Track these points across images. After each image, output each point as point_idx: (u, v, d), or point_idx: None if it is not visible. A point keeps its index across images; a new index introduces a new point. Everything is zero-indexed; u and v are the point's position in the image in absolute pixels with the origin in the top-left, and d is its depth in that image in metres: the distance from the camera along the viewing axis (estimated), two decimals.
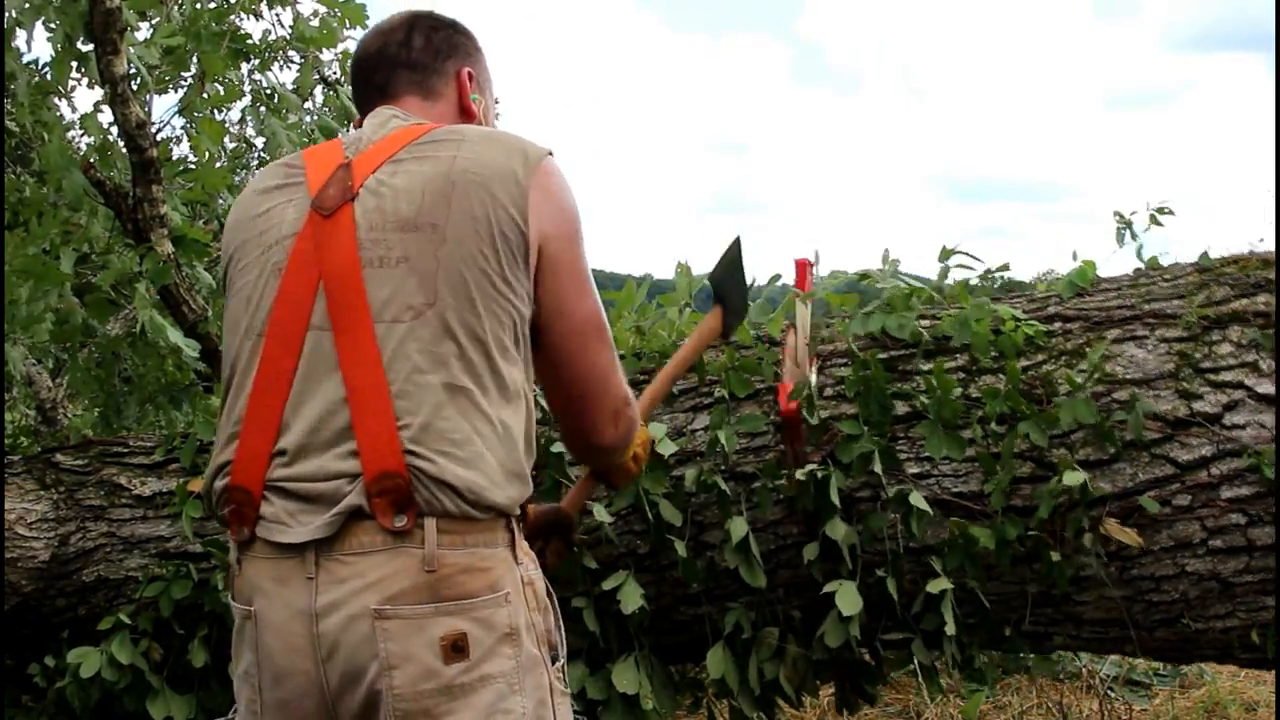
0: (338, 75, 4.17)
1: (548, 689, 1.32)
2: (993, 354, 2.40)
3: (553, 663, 1.34)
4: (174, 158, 3.58)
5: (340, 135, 1.64)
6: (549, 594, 1.38)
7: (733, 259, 1.99)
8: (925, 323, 2.49)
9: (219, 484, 1.35)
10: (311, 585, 1.26)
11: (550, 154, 1.43)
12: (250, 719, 1.34)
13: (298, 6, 3.79)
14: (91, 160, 3.14)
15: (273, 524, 1.30)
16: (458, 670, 1.24)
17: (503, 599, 1.28)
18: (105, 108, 3.20)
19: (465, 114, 1.58)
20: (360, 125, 1.53)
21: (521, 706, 1.28)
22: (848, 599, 2.20)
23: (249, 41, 3.56)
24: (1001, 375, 2.35)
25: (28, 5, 3.01)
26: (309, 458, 1.30)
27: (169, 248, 3.04)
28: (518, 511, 1.33)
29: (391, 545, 1.26)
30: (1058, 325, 2.45)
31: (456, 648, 1.25)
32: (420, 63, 1.57)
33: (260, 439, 1.33)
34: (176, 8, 3.54)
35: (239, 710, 1.37)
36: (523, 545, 1.35)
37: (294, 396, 1.32)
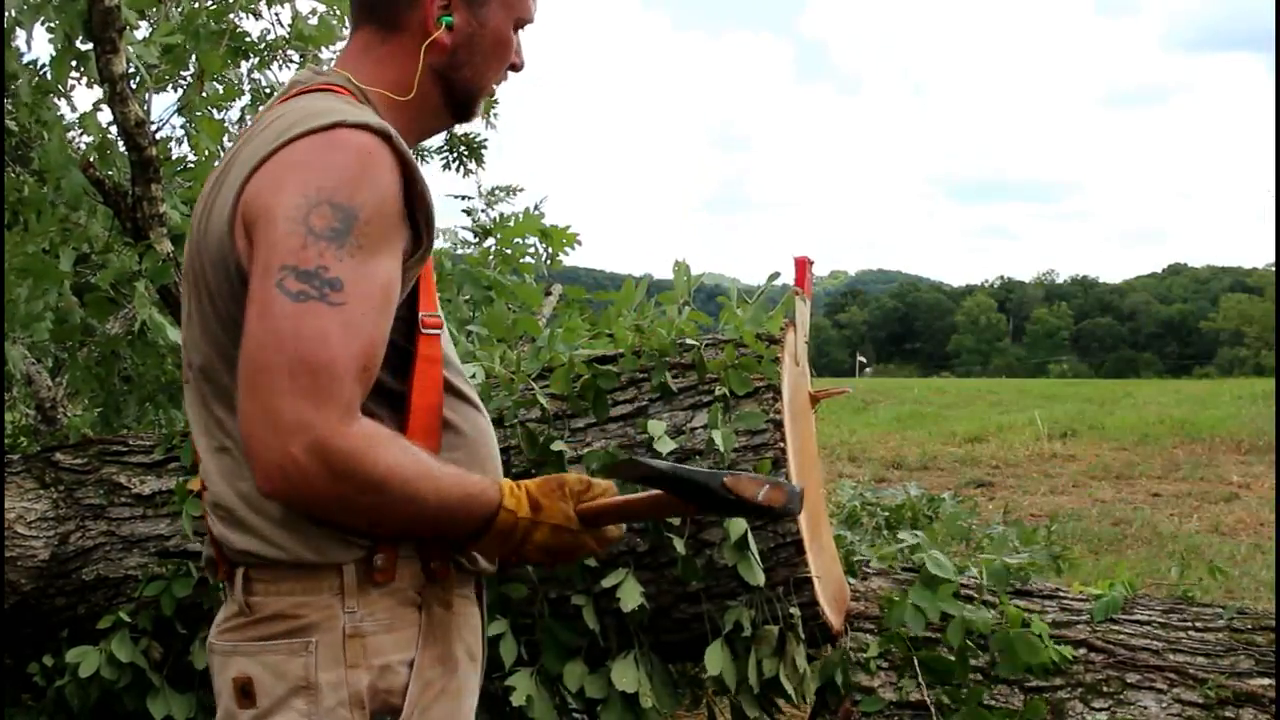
0: None
1: None
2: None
3: None
4: (173, 156, 3.58)
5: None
6: (407, 656, 1.18)
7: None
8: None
9: None
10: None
11: (316, 130, 1.11)
12: None
13: (296, 5, 3.79)
14: (91, 159, 3.14)
15: None
16: (248, 717, 1.16)
17: (301, 647, 1.15)
18: (104, 106, 3.20)
19: (430, 51, 1.26)
20: None
21: None
22: None
23: (248, 40, 3.56)
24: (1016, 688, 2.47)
25: (27, 5, 3.01)
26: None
27: (168, 246, 3.04)
28: (342, 558, 1.16)
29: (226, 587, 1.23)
30: (1083, 651, 2.53)
31: (245, 691, 1.17)
32: None
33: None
34: (175, 6, 3.54)
35: None
36: (369, 595, 1.17)
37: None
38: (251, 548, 1.17)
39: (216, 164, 1.23)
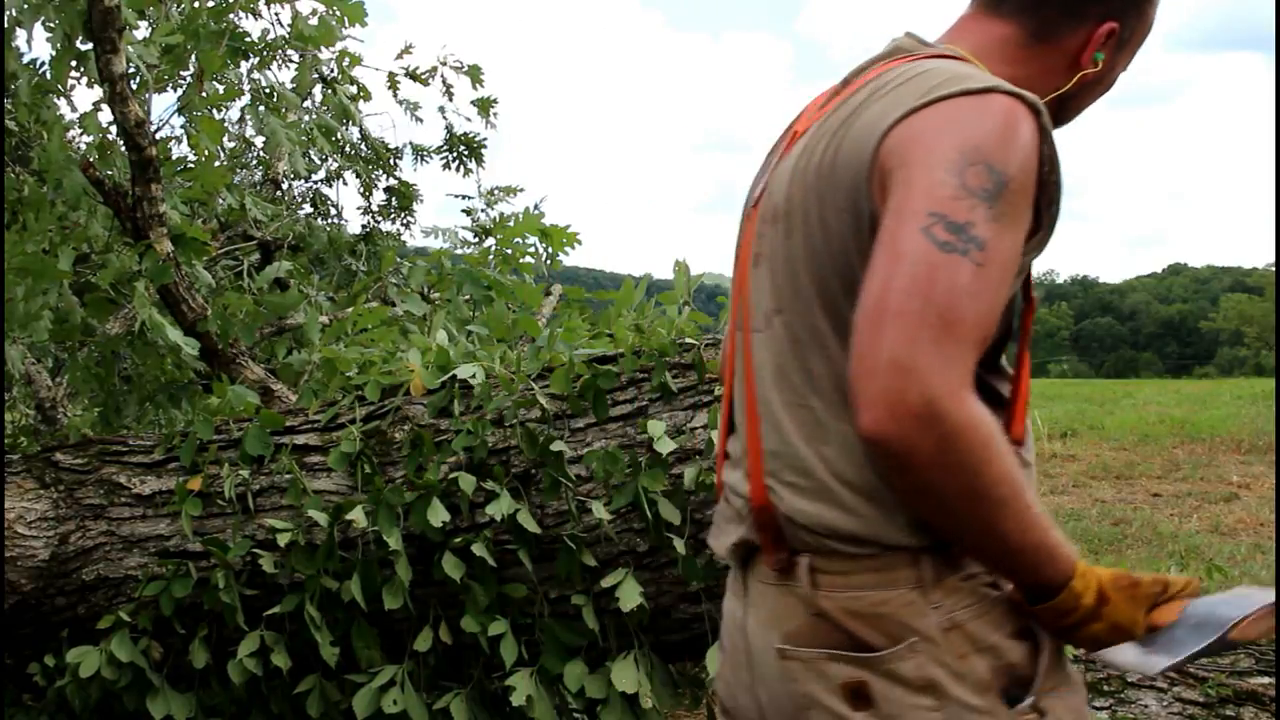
0: (336, 74, 4.17)
1: None
2: None
3: (1013, 704, 1.10)
4: (173, 156, 3.58)
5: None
6: (1019, 632, 1.12)
7: None
8: None
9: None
10: (744, 602, 1.21)
11: (977, 92, 1.08)
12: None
13: (296, 5, 3.79)
14: (91, 159, 3.14)
15: (714, 528, 1.27)
16: (864, 718, 1.10)
17: (906, 650, 1.08)
18: (104, 106, 3.20)
19: (1071, 71, 1.24)
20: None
21: None
22: None
23: (247, 40, 3.56)
24: None
25: (27, 4, 3.01)
26: (735, 468, 1.24)
27: (168, 246, 3.04)
28: (916, 541, 1.09)
29: (780, 581, 1.16)
30: (1084, 650, 2.52)
31: (859, 695, 1.10)
32: None
33: (721, 440, 1.30)
34: (175, 6, 3.54)
35: None
36: (946, 581, 1.10)
37: (735, 399, 1.26)
38: (830, 518, 1.10)
39: (814, 120, 1.18)
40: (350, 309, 3.48)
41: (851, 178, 1.09)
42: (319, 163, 4.80)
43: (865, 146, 1.09)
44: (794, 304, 1.14)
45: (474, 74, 4.44)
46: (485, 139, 4.67)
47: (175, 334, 2.99)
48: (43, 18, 3.06)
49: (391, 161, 4.83)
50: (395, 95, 4.51)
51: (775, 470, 1.15)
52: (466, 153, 4.70)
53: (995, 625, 1.11)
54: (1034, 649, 1.12)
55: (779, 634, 1.14)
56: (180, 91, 3.67)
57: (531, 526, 2.37)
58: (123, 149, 3.10)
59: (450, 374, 2.63)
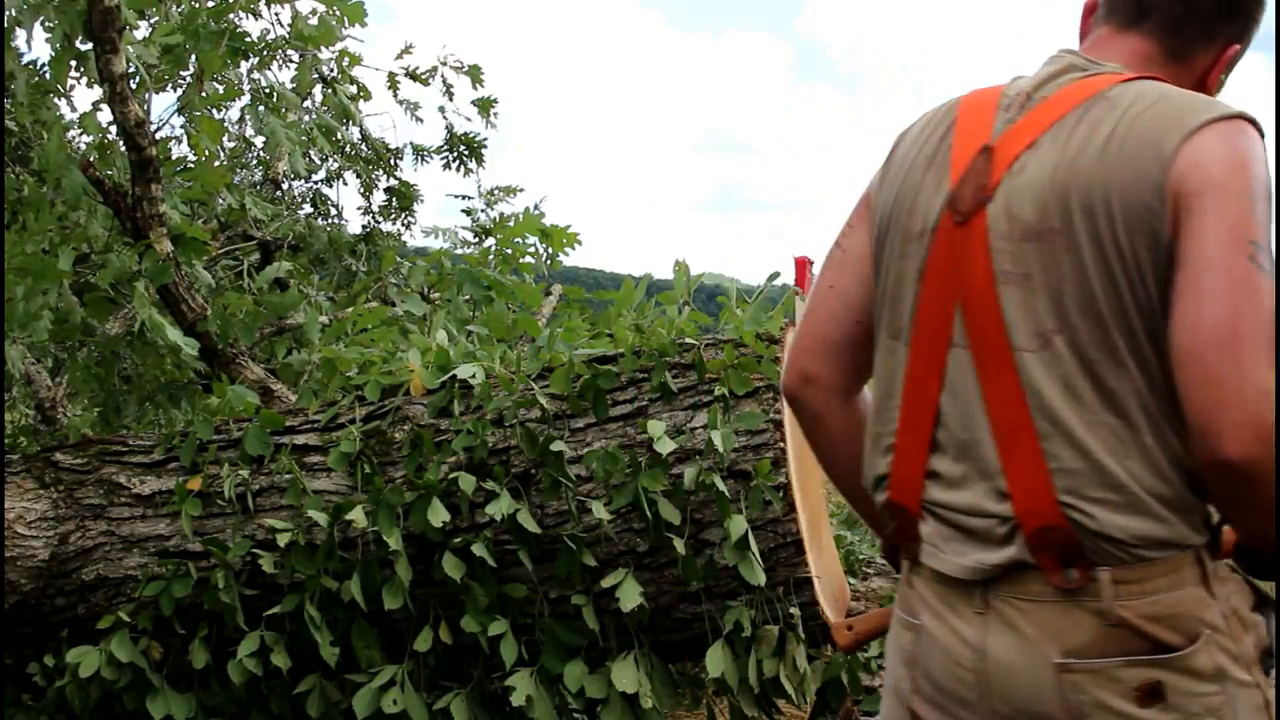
0: (336, 74, 4.17)
1: (1262, 704, 1.17)
2: None
3: (1267, 672, 1.18)
4: (173, 156, 3.58)
5: (1017, 77, 1.31)
6: (1259, 603, 1.21)
7: None
8: None
9: (880, 497, 1.33)
10: (982, 621, 1.21)
11: (1230, 118, 1.14)
12: (896, 704, 1.33)
13: (296, 5, 3.78)
14: (90, 159, 3.14)
15: (931, 548, 1.26)
16: (1153, 714, 1.14)
17: (1202, 644, 1.14)
18: (104, 106, 3.20)
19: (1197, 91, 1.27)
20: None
21: None
22: None
23: (247, 40, 3.55)
24: None
25: (26, 4, 3.01)
26: (960, 488, 1.24)
27: (168, 246, 3.04)
28: (1202, 539, 1.16)
29: (1063, 599, 1.17)
30: None
31: (1153, 693, 1.14)
32: (1200, 9, 1.27)
33: (915, 457, 1.27)
34: (175, 6, 3.53)
35: (885, 687, 1.38)
36: (1218, 570, 1.17)
37: (942, 418, 1.25)
38: (1147, 530, 1.13)
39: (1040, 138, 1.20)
40: (350, 309, 3.48)
41: (1143, 201, 1.13)
42: (319, 163, 4.80)
43: (1149, 171, 1.13)
44: (1082, 323, 1.15)
45: (474, 74, 4.44)
46: (485, 139, 4.67)
47: (175, 334, 2.99)
48: (42, 18, 3.06)
49: (392, 161, 4.83)
50: (395, 95, 4.51)
51: (1075, 488, 1.15)
52: (467, 153, 4.70)
53: (1248, 603, 1.19)
54: (1264, 618, 1.21)
55: (1058, 649, 1.16)
56: (180, 91, 3.67)
57: (531, 526, 2.37)
58: (123, 149, 3.10)
59: (450, 374, 2.63)
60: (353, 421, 2.61)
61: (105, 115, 3.24)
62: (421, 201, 4.95)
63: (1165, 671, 1.13)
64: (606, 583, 2.33)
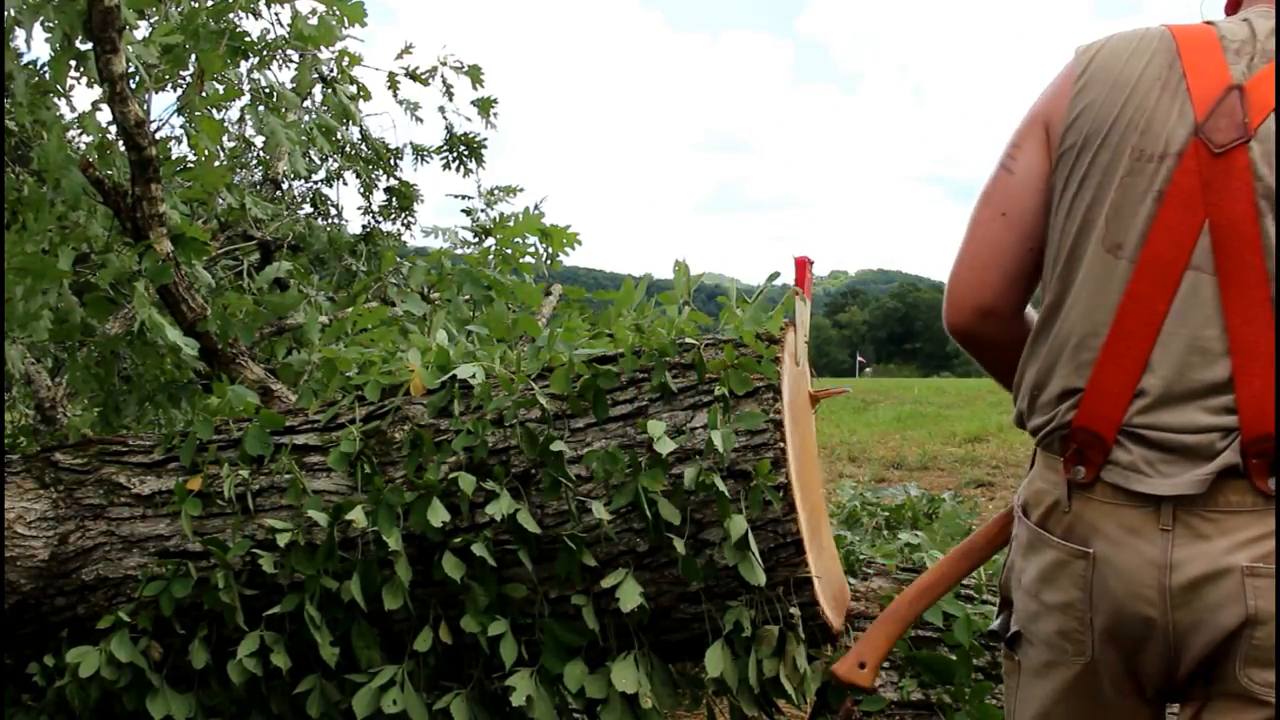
0: (336, 74, 4.17)
1: None
2: None
3: None
4: (173, 156, 3.57)
5: (1208, 22, 1.40)
6: None
7: None
8: None
9: (1066, 415, 1.36)
10: (1167, 538, 1.29)
11: None
12: (1057, 645, 1.40)
13: (296, 4, 3.78)
14: (90, 159, 3.13)
15: (1129, 471, 1.31)
16: None
17: None
18: (104, 106, 3.20)
19: None
20: (1235, 9, 1.40)
21: None
22: None
23: (247, 40, 3.55)
24: None
25: (26, 4, 3.01)
26: (1175, 406, 1.30)
27: (168, 246, 3.04)
28: None
29: (1261, 507, 1.26)
30: None
31: None
32: None
33: (1120, 377, 1.32)
34: (175, 6, 3.53)
35: (1032, 633, 1.44)
36: None
37: (1163, 338, 1.30)
38: None
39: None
40: (350, 309, 3.48)
41: None
42: (319, 163, 4.80)
43: None
44: None
45: (474, 74, 4.43)
46: (485, 139, 4.67)
47: (175, 334, 2.99)
48: (42, 18, 3.06)
49: (391, 161, 4.83)
50: (395, 95, 4.51)
51: None
52: (466, 153, 4.70)
53: None
54: None
55: (1247, 555, 1.26)
56: (180, 91, 3.66)
57: (531, 526, 2.37)
58: (123, 149, 3.10)
59: (450, 374, 2.63)
60: (353, 421, 2.61)
61: (105, 115, 3.24)
62: (421, 201, 4.95)
63: None
64: (606, 583, 2.33)
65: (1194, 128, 1.30)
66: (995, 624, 1.54)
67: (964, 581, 2.64)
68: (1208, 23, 1.39)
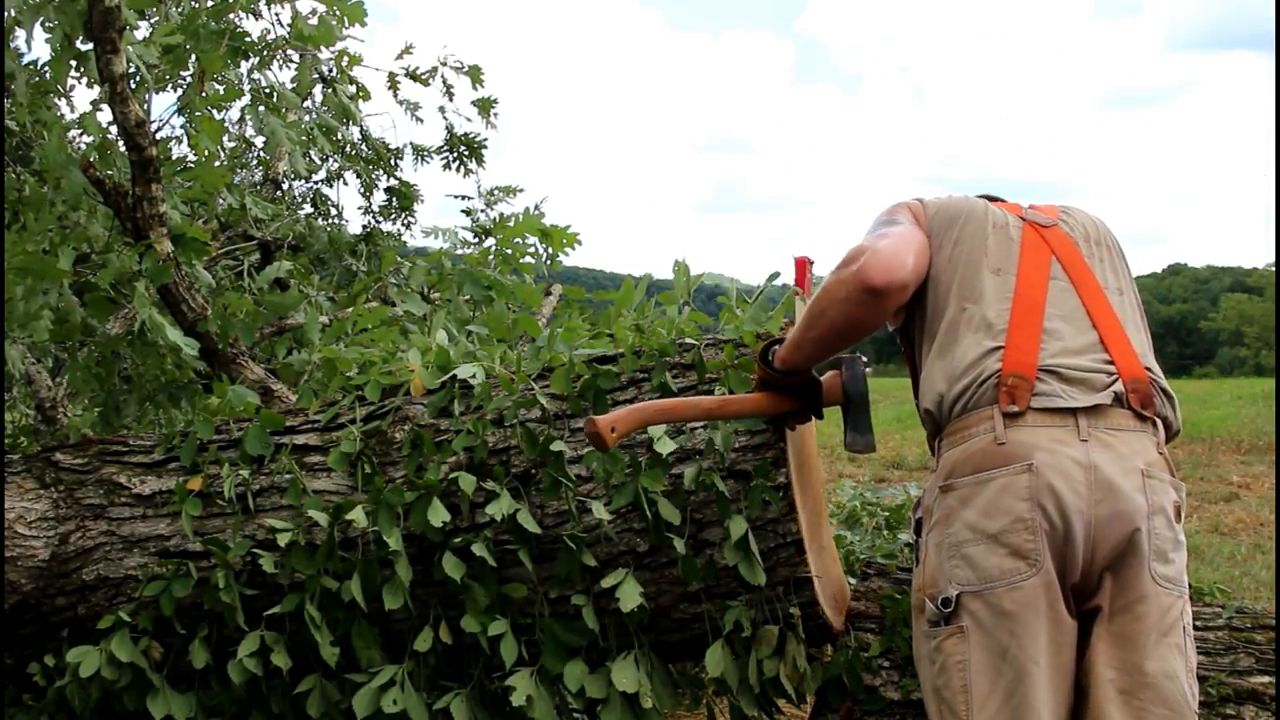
0: (336, 74, 4.17)
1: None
2: None
3: None
4: (173, 156, 3.57)
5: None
6: None
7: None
8: None
9: (992, 364, 1.81)
10: (1086, 447, 1.73)
11: None
12: (1010, 568, 1.72)
13: (296, 5, 3.78)
14: (91, 159, 3.13)
15: (1052, 396, 1.76)
16: (1177, 529, 1.76)
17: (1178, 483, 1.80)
18: (104, 106, 3.20)
19: None
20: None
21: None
22: None
23: (248, 40, 3.55)
24: None
25: (26, 4, 3.01)
26: (1071, 355, 1.81)
27: (168, 246, 3.04)
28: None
29: (1139, 428, 1.78)
30: None
31: (1177, 513, 1.76)
32: None
33: (1029, 338, 1.82)
34: (175, 6, 3.53)
35: (979, 576, 1.75)
36: None
37: (1048, 314, 1.85)
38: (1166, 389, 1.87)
39: None
40: (350, 309, 3.48)
41: (1116, 247, 2.10)
42: (319, 163, 4.80)
43: (1111, 236, 2.14)
44: (1128, 291, 1.98)
45: (474, 74, 4.44)
46: (485, 139, 4.67)
47: (175, 334, 2.99)
48: (42, 18, 3.06)
49: (392, 162, 4.83)
50: (395, 95, 4.51)
51: (1148, 363, 1.85)
52: (467, 153, 4.70)
53: None
54: None
55: (1141, 460, 1.75)
56: (180, 91, 3.67)
57: (531, 526, 2.37)
58: (123, 149, 3.10)
59: (450, 374, 2.63)
60: (353, 421, 2.61)
61: (105, 115, 3.24)
62: (421, 201, 4.96)
63: (1179, 497, 1.78)
64: (606, 583, 2.33)
65: (1020, 219, 2.01)
66: (931, 614, 1.80)
67: None
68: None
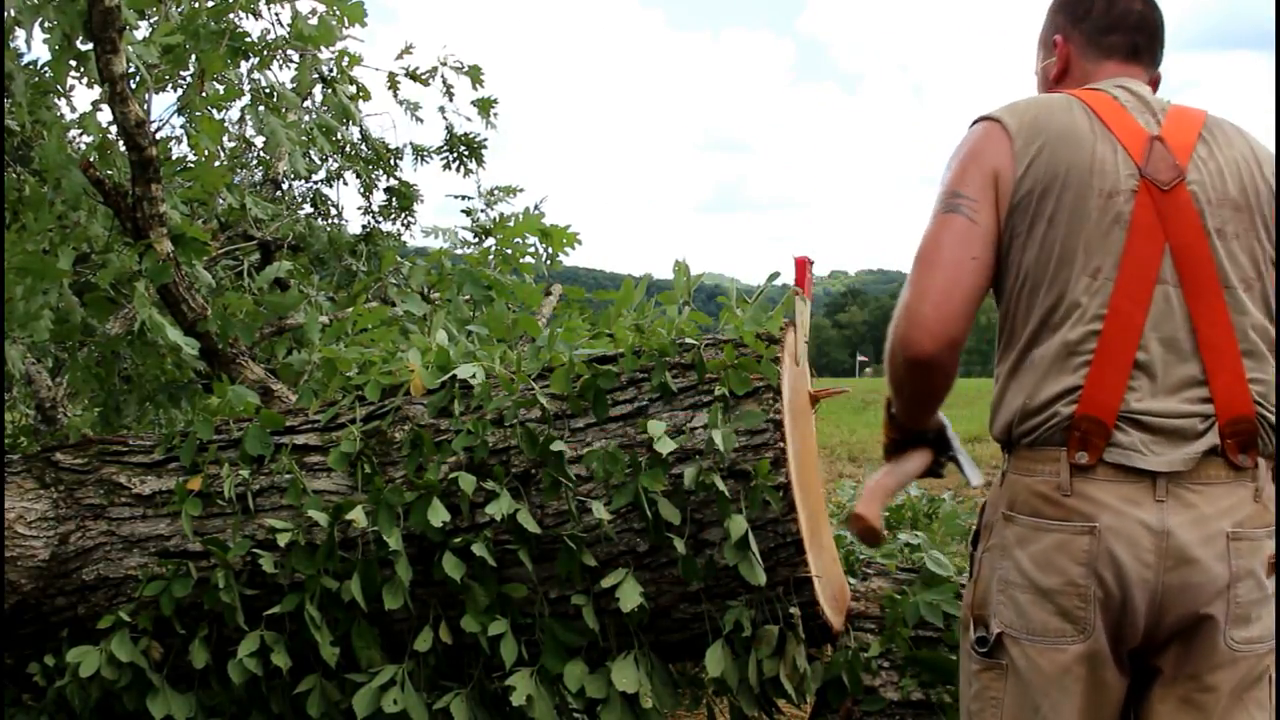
0: (336, 74, 4.17)
1: None
2: None
3: None
4: (173, 156, 3.57)
5: (1090, 87, 1.71)
6: None
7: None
8: None
9: (1064, 409, 1.55)
10: (1162, 508, 1.51)
11: None
12: (1057, 627, 1.55)
13: (296, 5, 3.78)
14: (91, 159, 3.13)
15: (1129, 451, 1.53)
16: (1268, 585, 1.55)
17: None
18: (104, 106, 3.20)
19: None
20: (1103, 79, 1.71)
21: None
22: None
23: (247, 40, 3.55)
24: None
25: (26, 4, 3.01)
26: (1161, 398, 1.54)
27: (168, 246, 3.04)
28: None
29: (1232, 479, 1.53)
30: None
31: (1270, 567, 1.55)
32: (1158, 36, 1.76)
33: (1113, 375, 1.54)
34: (175, 6, 3.53)
35: (1025, 626, 1.57)
36: None
37: (1144, 342, 1.55)
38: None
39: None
40: (350, 309, 3.48)
41: (1267, 196, 1.62)
42: (319, 163, 4.80)
43: (1267, 174, 1.63)
44: (1259, 280, 1.60)
45: (474, 74, 4.43)
46: (485, 139, 4.67)
47: (175, 334, 2.99)
48: (42, 18, 3.06)
49: (392, 161, 4.83)
50: (395, 95, 4.50)
51: (1264, 395, 1.56)
52: (466, 153, 4.70)
53: None
54: None
55: (1230, 521, 1.52)
56: (180, 91, 3.66)
57: (531, 526, 2.37)
58: (123, 149, 3.10)
59: (450, 374, 2.63)
60: (353, 421, 2.61)
61: (105, 115, 3.24)
62: (421, 201, 4.95)
63: (1272, 547, 1.55)
64: (606, 583, 2.33)
65: (1137, 170, 1.57)
66: (973, 639, 1.64)
67: (964, 582, 2.64)
68: (1092, 89, 1.68)
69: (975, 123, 1.68)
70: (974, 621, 1.65)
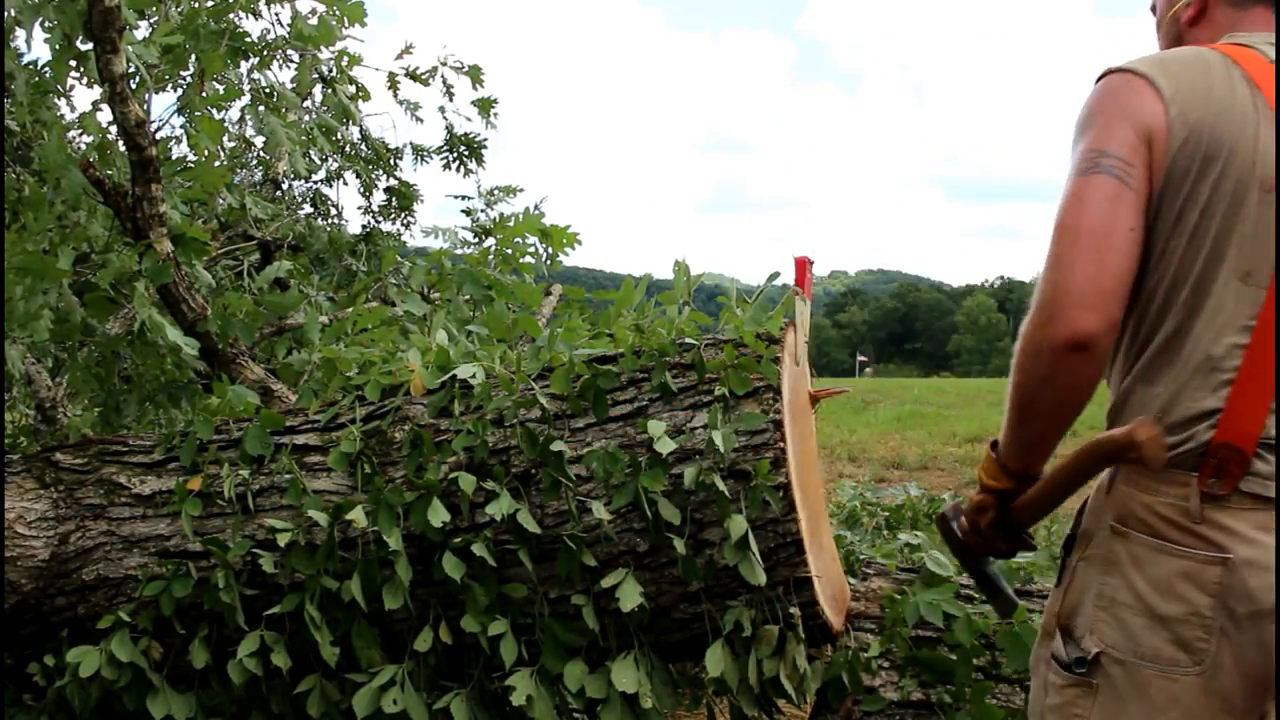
0: (335, 74, 4.17)
1: None
2: None
3: None
4: (173, 156, 3.58)
5: (1238, 41, 1.46)
6: None
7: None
8: None
9: (1203, 434, 1.39)
10: None
11: None
12: (1170, 657, 1.40)
13: (296, 4, 3.78)
14: (90, 159, 3.14)
15: (1268, 481, 1.36)
16: None
17: None
18: (104, 106, 3.20)
19: None
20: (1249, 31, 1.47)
21: None
22: None
23: (247, 40, 3.55)
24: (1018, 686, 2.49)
25: (26, 4, 3.01)
26: None
27: (168, 246, 3.04)
28: None
29: None
30: None
31: None
32: None
33: (1257, 397, 1.36)
34: (175, 6, 3.53)
35: (1132, 649, 1.43)
36: None
37: None
38: None
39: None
40: (350, 309, 3.48)
41: None
42: (319, 163, 4.80)
43: None
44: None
45: (474, 74, 4.43)
46: (485, 139, 4.67)
47: (175, 334, 2.99)
48: (42, 18, 3.06)
49: (391, 161, 4.83)
50: (395, 95, 4.51)
51: None
52: (466, 153, 4.70)
53: None
54: None
55: None
56: (180, 91, 3.66)
57: (531, 526, 2.37)
58: (123, 149, 3.10)
59: (450, 374, 2.63)
60: (353, 421, 2.61)
61: (105, 115, 3.24)
62: (421, 201, 4.95)
63: None
64: (606, 583, 2.33)
65: None
66: (1060, 652, 1.51)
67: (964, 582, 2.64)
68: (1243, 45, 1.43)
69: (1109, 74, 1.44)
70: (1060, 632, 1.52)
